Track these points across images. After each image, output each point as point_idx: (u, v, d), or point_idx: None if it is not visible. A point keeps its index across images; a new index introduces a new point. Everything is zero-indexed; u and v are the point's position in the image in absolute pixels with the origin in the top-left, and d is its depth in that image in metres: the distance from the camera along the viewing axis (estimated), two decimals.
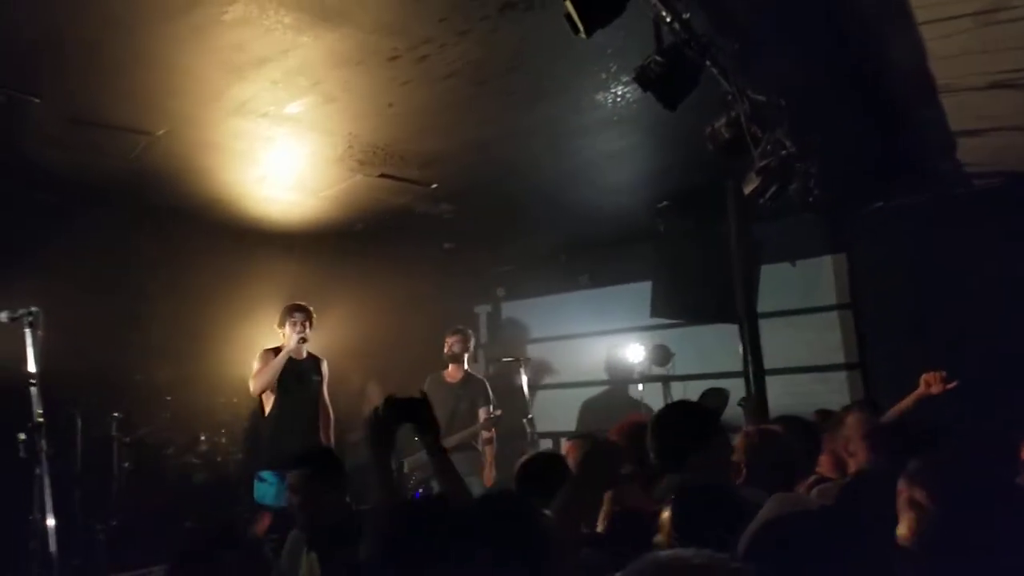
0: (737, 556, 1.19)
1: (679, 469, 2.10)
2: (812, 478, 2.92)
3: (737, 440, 2.56)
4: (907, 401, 3.35)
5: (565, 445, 3.89)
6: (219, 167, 4.83)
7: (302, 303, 5.19)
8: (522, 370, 6.35)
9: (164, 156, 4.53)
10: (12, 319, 3.28)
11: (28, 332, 3.26)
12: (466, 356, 6.01)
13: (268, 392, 5.02)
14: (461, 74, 3.75)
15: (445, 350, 5.96)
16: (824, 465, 3.07)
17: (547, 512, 1.58)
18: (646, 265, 6.35)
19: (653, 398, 6.72)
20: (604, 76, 3.85)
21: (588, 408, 7.47)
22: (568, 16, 2.60)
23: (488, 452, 5.72)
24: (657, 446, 2.22)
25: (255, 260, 6.05)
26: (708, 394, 5.35)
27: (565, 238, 7.20)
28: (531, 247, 7.48)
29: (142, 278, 5.46)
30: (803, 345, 6.19)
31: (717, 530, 1.46)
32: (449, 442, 5.54)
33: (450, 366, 5.96)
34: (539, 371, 7.57)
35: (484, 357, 8.26)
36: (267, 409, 5.06)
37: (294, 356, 5.04)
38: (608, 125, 4.46)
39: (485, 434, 5.73)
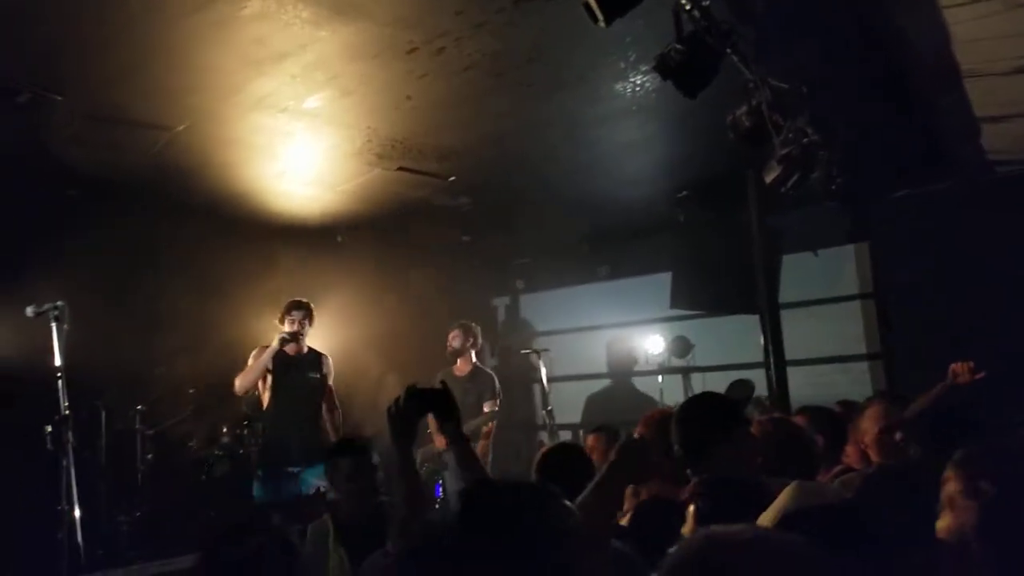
0: None
1: (703, 461, 2.09)
2: (837, 468, 2.90)
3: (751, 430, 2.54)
4: (934, 392, 3.30)
5: (588, 438, 3.89)
6: (239, 162, 4.86)
7: (302, 300, 5.13)
8: (541, 362, 6.34)
9: (184, 152, 4.56)
10: (38, 313, 3.33)
11: (54, 326, 3.30)
12: (472, 350, 5.95)
13: (266, 390, 5.01)
14: (478, 66, 3.74)
15: (447, 347, 5.93)
16: (851, 456, 3.04)
17: (568, 503, 1.58)
18: (666, 256, 6.32)
19: (673, 390, 6.70)
20: (623, 65, 3.83)
21: (608, 400, 7.46)
22: (587, 5, 2.59)
23: (480, 446, 5.55)
24: (681, 438, 2.21)
25: (275, 254, 6.09)
26: (734, 386, 5.32)
27: (584, 229, 7.18)
28: (549, 239, 7.47)
29: (164, 272, 5.51)
30: (825, 335, 6.13)
31: (742, 521, 1.45)
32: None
33: (457, 361, 5.91)
34: (558, 363, 7.56)
35: (502, 349, 8.27)
36: (265, 406, 5.06)
37: (290, 353, 4.98)
38: (627, 115, 4.43)
39: (483, 428, 5.68)
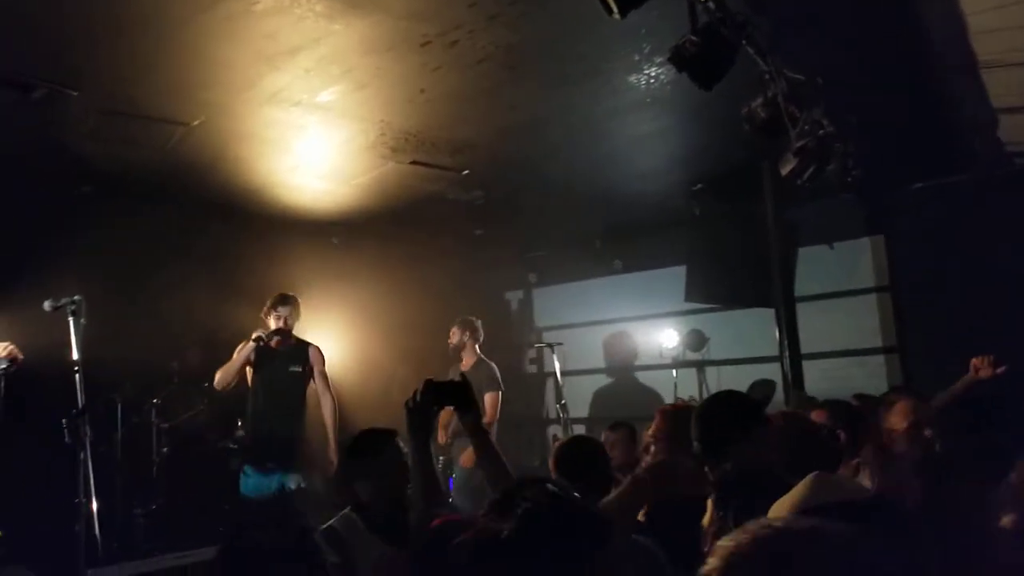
0: None
1: (722, 458, 2.08)
2: (855, 461, 2.87)
3: None
4: (958, 386, 3.27)
5: (605, 433, 3.88)
6: (253, 156, 4.87)
7: (288, 294, 5.07)
8: (554, 356, 6.34)
9: (199, 146, 4.57)
10: (55, 308, 3.35)
11: (71, 320, 3.32)
12: (474, 344, 5.97)
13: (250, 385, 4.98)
14: (492, 59, 3.72)
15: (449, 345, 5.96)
16: (867, 452, 3.02)
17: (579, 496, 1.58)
18: (680, 249, 6.29)
19: (688, 384, 6.67)
20: (637, 58, 3.80)
21: (622, 394, 7.44)
22: None
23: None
24: (701, 434, 2.20)
25: (288, 248, 6.11)
26: (756, 385, 5.28)
27: (597, 223, 7.16)
28: (563, 232, 7.45)
29: (178, 266, 5.53)
30: (840, 329, 6.09)
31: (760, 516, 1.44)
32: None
33: (462, 356, 5.96)
34: (571, 357, 7.55)
35: (515, 343, 8.27)
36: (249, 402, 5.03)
37: (273, 346, 4.92)
38: (641, 107, 4.40)
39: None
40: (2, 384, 3.75)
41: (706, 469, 2.14)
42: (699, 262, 5.89)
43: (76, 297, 3.37)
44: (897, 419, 2.91)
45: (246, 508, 4.73)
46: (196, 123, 4.27)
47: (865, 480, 2.77)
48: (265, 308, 4.99)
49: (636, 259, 7.41)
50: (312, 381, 5.06)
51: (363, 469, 2.74)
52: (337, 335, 6.66)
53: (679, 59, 2.98)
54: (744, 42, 3.10)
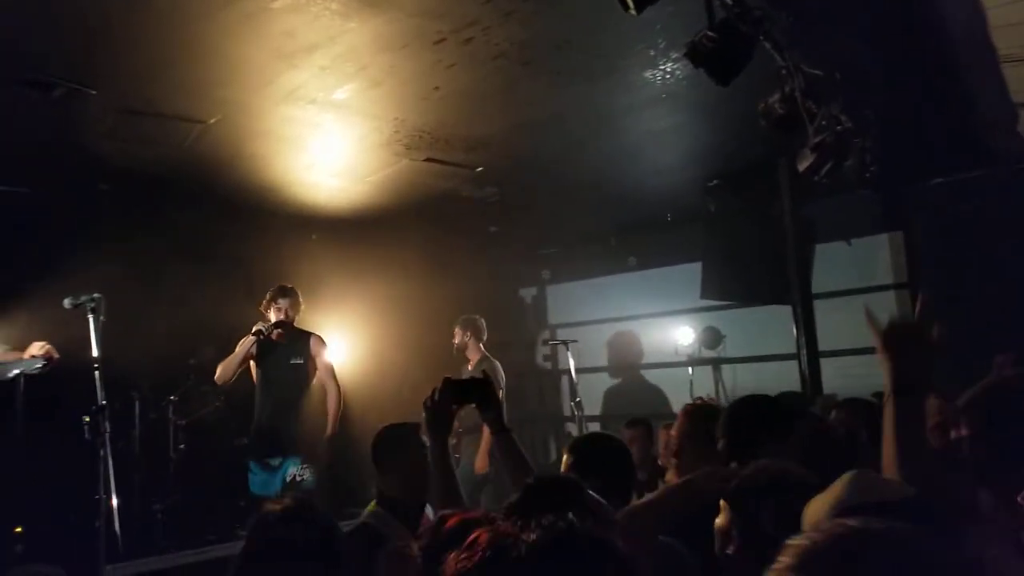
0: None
1: (748, 460, 2.06)
2: (876, 464, 2.83)
3: None
4: (983, 385, 3.21)
5: (623, 432, 3.86)
6: (269, 154, 4.89)
7: (288, 286, 5.02)
8: (568, 353, 6.33)
9: (216, 144, 4.60)
10: (75, 305, 3.37)
11: (90, 318, 3.35)
12: (477, 342, 5.98)
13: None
14: (507, 55, 3.72)
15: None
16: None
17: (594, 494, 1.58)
18: (695, 246, 6.26)
19: (703, 381, 6.64)
20: (652, 53, 3.78)
21: (637, 392, 7.42)
22: None
23: (484, 439, 5.46)
24: (728, 434, 2.19)
25: (304, 245, 6.13)
26: (786, 396, 5.22)
27: (612, 219, 7.14)
28: (577, 229, 7.43)
29: (195, 263, 5.56)
30: (859, 326, 6.00)
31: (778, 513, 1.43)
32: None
33: (466, 356, 6.00)
34: (586, 354, 7.53)
35: (529, 340, 8.27)
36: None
37: (274, 338, 4.88)
38: (656, 103, 4.38)
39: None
40: (22, 381, 3.78)
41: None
42: (715, 259, 5.86)
43: (95, 295, 3.38)
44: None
45: (264, 504, 4.73)
46: (213, 121, 4.29)
47: None
48: (265, 301, 4.96)
49: (651, 256, 7.38)
50: (316, 371, 5.04)
51: (389, 462, 2.79)
52: (351, 332, 6.68)
53: (695, 55, 2.96)
54: (761, 37, 3.08)
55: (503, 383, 5.79)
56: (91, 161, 4.76)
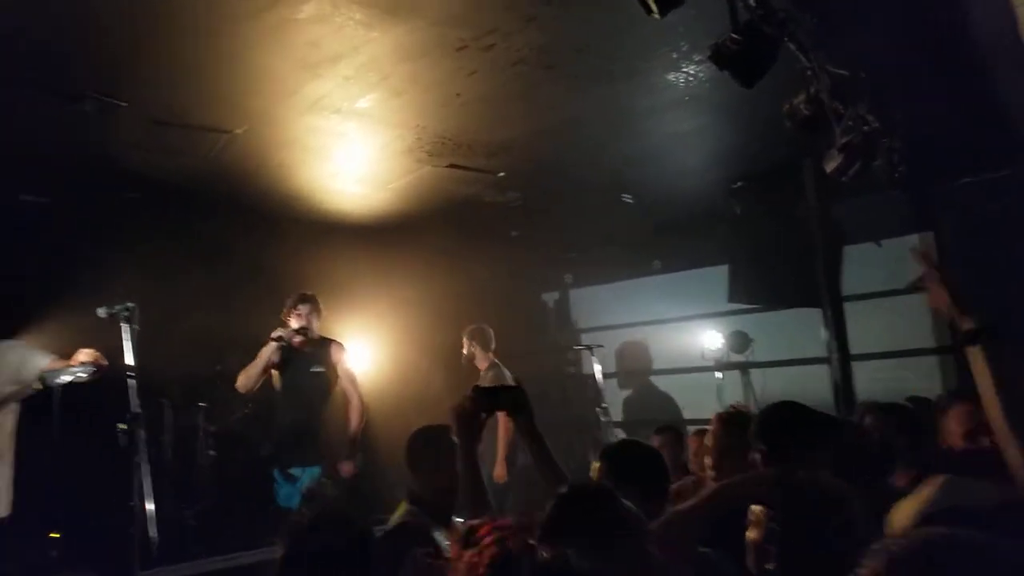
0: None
1: (783, 466, 2.04)
2: (914, 472, 2.77)
3: None
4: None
5: (652, 438, 3.84)
6: (294, 163, 4.94)
7: (308, 293, 4.99)
8: (593, 358, 6.30)
9: (242, 154, 4.65)
10: (109, 314, 3.43)
11: (124, 327, 3.40)
12: (484, 351, 5.98)
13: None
14: (528, 60, 3.72)
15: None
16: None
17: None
18: (721, 249, 6.21)
19: (732, 386, 6.58)
20: (675, 56, 3.76)
21: (663, 397, 7.37)
22: None
23: (500, 446, 5.44)
24: (763, 440, 2.17)
25: (327, 253, 6.17)
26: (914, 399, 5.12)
27: (635, 222, 7.09)
28: (600, 232, 7.39)
29: (221, 271, 5.62)
30: (890, 329, 5.94)
31: (820, 525, 1.41)
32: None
33: (476, 366, 6.02)
34: (611, 359, 7.50)
35: (552, 345, 8.25)
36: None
37: (296, 346, 4.86)
38: (679, 105, 4.36)
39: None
40: (58, 389, 3.85)
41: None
42: (742, 262, 5.81)
43: (129, 304, 3.44)
44: (954, 425, 2.78)
45: (292, 514, 4.73)
46: (240, 131, 4.34)
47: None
48: (285, 308, 4.94)
49: (676, 259, 7.33)
50: (337, 379, 4.99)
51: (423, 464, 2.84)
52: (374, 339, 6.72)
53: (719, 57, 2.94)
54: (785, 39, 3.05)
55: None
56: (120, 172, 4.84)
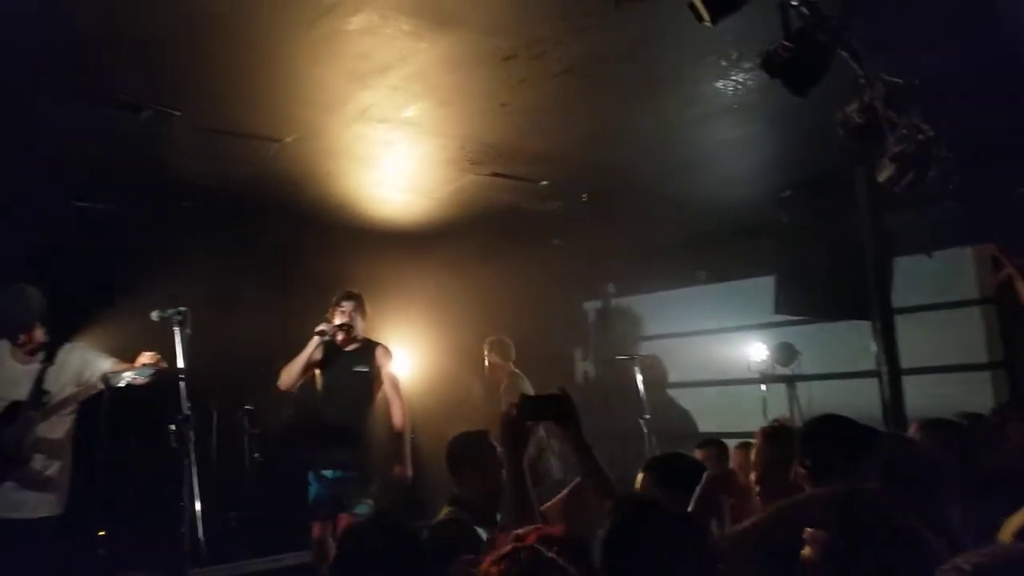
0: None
1: (830, 482, 2.00)
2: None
3: None
4: None
5: (698, 453, 3.80)
6: (341, 172, 5.01)
7: (353, 291, 4.89)
8: (636, 369, 6.24)
9: (291, 162, 4.73)
10: (162, 318, 3.51)
11: (176, 330, 3.47)
12: (506, 361, 5.96)
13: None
14: (575, 70, 3.72)
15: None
16: None
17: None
18: (768, 259, 6.11)
19: (777, 400, 6.46)
20: (724, 64, 3.73)
21: (707, 410, 7.27)
22: (691, 5, 2.53)
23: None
24: (811, 456, 2.13)
25: (371, 258, 6.23)
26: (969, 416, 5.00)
27: (680, 231, 7.03)
28: (643, 241, 7.35)
29: (270, 276, 5.72)
30: (941, 343, 5.78)
31: (877, 545, 1.37)
32: None
33: (498, 376, 6.00)
34: (655, 370, 7.41)
35: (595, 355, 8.20)
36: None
37: (340, 344, 4.76)
38: (728, 113, 4.32)
39: None
40: (109, 393, 3.94)
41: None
42: (789, 272, 5.71)
43: (182, 308, 3.51)
44: (1012, 441, 2.71)
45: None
46: (289, 140, 4.42)
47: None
48: (331, 307, 4.85)
49: (721, 269, 7.24)
50: (380, 384, 4.86)
51: (464, 469, 2.90)
52: (415, 345, 6.76)
53: (770, 65, 2.91)
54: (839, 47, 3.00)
55: None
56: (174, 179, 4.96)
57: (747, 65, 3.69)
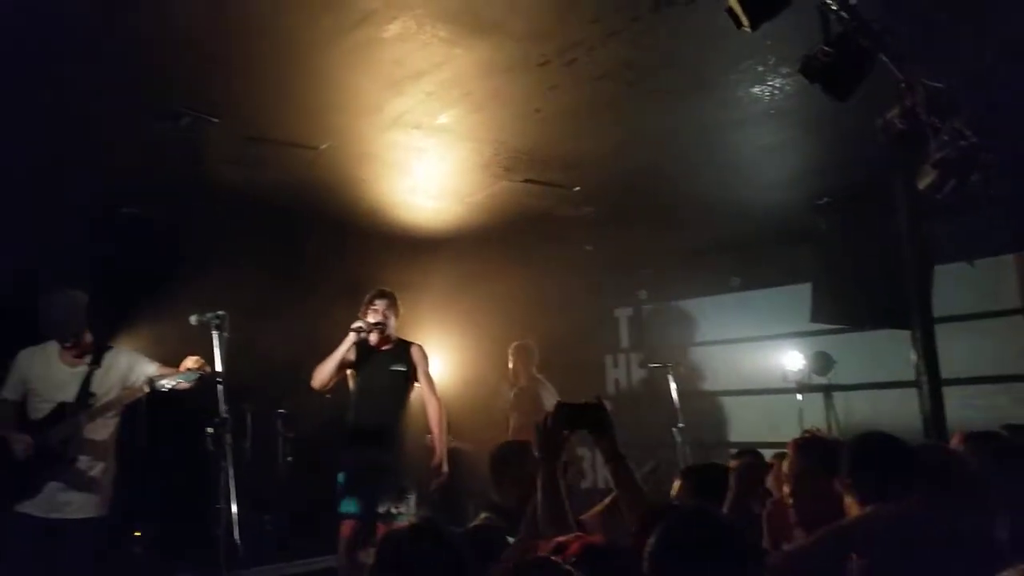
0: None
1: (875, 501, 1.97)
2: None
3: None
4: None
5: (731, 462, 3.74)
6: (375, 178, 5.05)
7: (386, 289, 4.82)
8: (670, 377, 6.17)
9: (326, 169, 4.78)
10: (201, 322, 3.55)
11: (215, 334, 3.52)
12: (529, 367, 5.97)
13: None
14: (611, 75, 3.71)
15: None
16: None
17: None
18: (804, 266, 6.03)
19: (813, 409, 6.35)
20: (762, 69, 3.69)
21: (743, 419, 7.18)
22: (730, 10, 2.50)
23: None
24: (853, 471, 2.10)
25: (403, 264, 6.26)
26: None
27: (713, 238, 6.95)
28: (676, 247, 7.28)
29: (306, 281, 5.77)
30: (984, 353, 5.64)
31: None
32: None
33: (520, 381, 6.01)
34: (687, 378, 7.33)
35: (625, 362, 8.14)
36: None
37: (373, 344, 4.71)
38: (765, 119, 4.27)
39: None
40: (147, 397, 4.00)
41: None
42: (826, 280, 5.62)
43: (220, 312, 3.55)
44: None
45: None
46: (325, 147, 4.47)
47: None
48: (363, 306, 4.78)
49: (756, 276, 7.14)
50: (416, 383, 4.77)
51: (506, 476, 2.94)
52: (447, 350, 6.77)
53: (810, 70, 2.87)
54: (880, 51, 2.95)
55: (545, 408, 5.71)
56: (212, 186, 5.03)
57: (785, 70, 3.64)
